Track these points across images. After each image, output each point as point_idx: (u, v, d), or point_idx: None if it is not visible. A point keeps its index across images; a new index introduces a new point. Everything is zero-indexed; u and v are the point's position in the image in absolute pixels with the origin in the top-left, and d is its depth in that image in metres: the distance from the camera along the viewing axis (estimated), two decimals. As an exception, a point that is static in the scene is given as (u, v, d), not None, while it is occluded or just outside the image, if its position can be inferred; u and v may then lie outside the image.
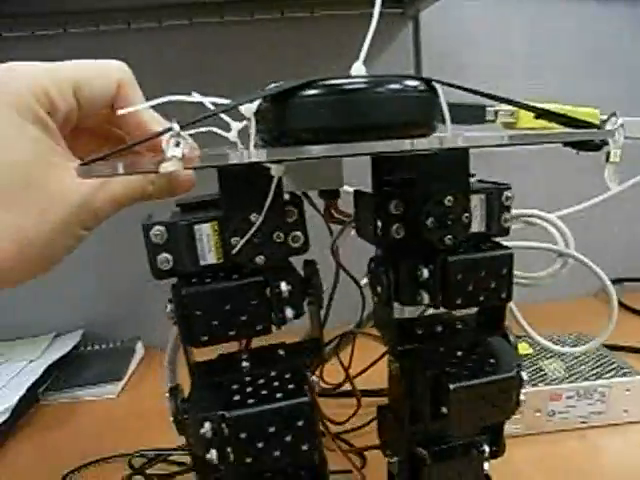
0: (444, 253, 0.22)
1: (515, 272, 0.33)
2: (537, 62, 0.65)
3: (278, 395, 0.21)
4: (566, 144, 0.22)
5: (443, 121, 0.20)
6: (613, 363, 0.43)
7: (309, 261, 0.24)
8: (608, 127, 0.20)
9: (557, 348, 0.32)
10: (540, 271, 0.34)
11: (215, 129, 0.20)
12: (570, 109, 0.23)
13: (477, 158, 0.23)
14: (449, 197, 0.21)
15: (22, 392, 0.49)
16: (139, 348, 0.63)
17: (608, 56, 0.67)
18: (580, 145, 0.22)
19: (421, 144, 0.18)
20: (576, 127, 0.20)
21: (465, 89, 0.19)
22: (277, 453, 0.20)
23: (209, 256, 0.21)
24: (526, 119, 0.23)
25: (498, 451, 0.29)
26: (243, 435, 0.20)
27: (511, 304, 0.32)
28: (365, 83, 0.17)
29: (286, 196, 0.22)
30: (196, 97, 0.17)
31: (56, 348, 0.61)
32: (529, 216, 0.33)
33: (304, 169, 0.25)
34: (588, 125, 0.20)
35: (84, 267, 0.65)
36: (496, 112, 0.23)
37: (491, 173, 0.27)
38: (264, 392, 0.21)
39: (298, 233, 0.22)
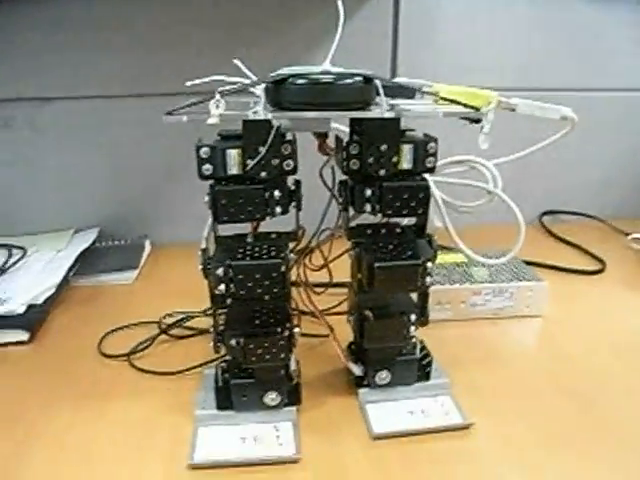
0: (381, 180, 0.42)
1: (455, 201, 0.54)
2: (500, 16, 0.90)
3: (264, 256, 0.42)
4: (461, 117, 0.41)
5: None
6: (525, 273, 0.68)
7: (297, 180, 0.44)
8: (483, 110, 0.39)
9: (477, 257, 0.52)
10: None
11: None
12: (472, 92, 0.42)
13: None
14: (384, 145, 0.41)
15: (64, 272, 0.71)
16: (147, 245, 0.87)
17: (565, 31, 0.93)
18: (467, 119, 0.41)
19: (369, 114, 0.38)
20: (467, 106, 0.40)
21: (393, 85, 0.38)
22: (260, 290, 0.42)
23: (234, 169, 0.41)
24: (444, 95, 0.42)
25: (424, 321, 0.50)
26: (240, 277, 0.42)
27: (449, 225, 0.52)
28: (328, 78, 0.37)
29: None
30: (233, 78, 0.37)
31: (78, 241, 0.83)
32: (472, 161, 0.53)
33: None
34: (471, 107, 0.39)
35: (98, 173, 0.87)
36: (422, 92, 0.42)
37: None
38: (256, 254, 0.43)
39: (290, 161, 0.42)
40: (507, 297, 0.65)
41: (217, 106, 0.36)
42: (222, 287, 0.42)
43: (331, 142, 0.47)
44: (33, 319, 0.64)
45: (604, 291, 0.75)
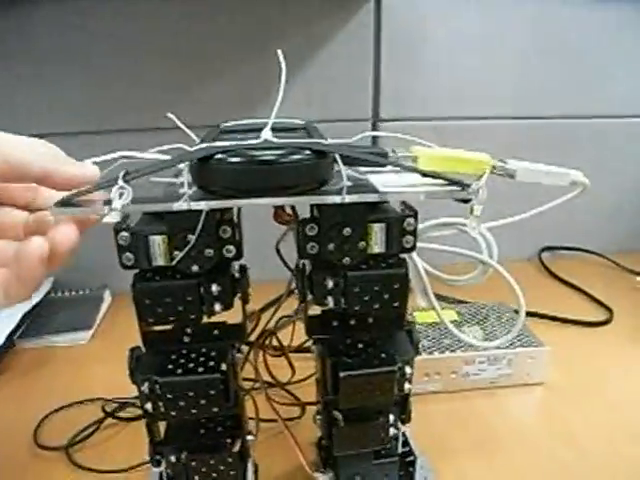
0: (346, 269, 0.34)
1: (442, 274, 0.45)
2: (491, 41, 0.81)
3: (199, 369, 0.33)
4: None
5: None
6: (524, 334, 0.58)
7: (242, 265, 0.35)
8: (473, 187, 0.30)
9: (466, 339, 0.44)
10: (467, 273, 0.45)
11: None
12: (464, 158, 0.33)
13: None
14: (347, 229, 0.32)
15: (4, 338, 0.63)
16: (107, 296, 0.78)
17: (560, 38, 0.83)
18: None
19: (325, 199, 0.30)
20: (452, 182, 0.31)
21: (353, 159, 0.30)
22: (194, 411, 0.33)
23: (159, 259, 0.33)
24: (424, 161, 0.33)
25: (404, 419, 0.41)
26: (169, 395, 0.33)
27: (435, 304, 0.44)
28: (269, 155, 0.28)
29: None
30: (144, 154, 0.28)
31: (29, 294, 0.74)
32: (462, 224, 0.44)
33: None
34: (458, 184, 0.30)
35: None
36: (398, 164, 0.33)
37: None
38: (191, 365, 0.34)
39: (231, 247, 0.33)
40: (504, 365, 0.56)
41: (120, 195, 0.27)
42: (149, 406, 0.34)
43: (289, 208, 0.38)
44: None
45: (612, 346, 0.67)
